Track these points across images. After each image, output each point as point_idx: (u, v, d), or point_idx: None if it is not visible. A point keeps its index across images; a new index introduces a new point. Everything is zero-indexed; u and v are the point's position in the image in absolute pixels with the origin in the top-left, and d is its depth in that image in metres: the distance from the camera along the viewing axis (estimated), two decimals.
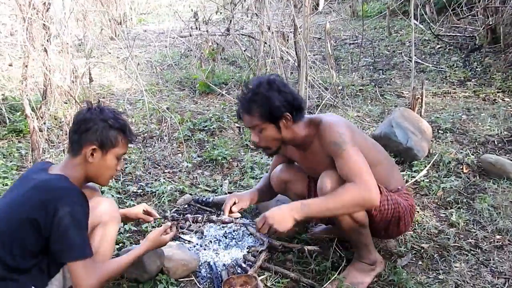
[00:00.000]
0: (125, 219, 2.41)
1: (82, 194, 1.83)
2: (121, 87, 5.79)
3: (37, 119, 3.09)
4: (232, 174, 3.56)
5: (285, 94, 2.11)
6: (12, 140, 4.24)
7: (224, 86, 5.62)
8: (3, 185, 3.43)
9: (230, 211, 2.40)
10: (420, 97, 3.72)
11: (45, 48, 3.10)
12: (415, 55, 6.49)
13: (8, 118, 4.44)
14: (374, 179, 2.02)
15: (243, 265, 2.45)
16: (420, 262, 2.41)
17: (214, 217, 2.88)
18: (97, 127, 1.86)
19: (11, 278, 1.73)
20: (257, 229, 2.07)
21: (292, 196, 2.53)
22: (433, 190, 3.05)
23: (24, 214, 1.74)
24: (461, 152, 3.57)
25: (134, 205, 3.08)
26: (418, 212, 2.84)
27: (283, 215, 2.00)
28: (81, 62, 4.38)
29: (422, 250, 2.48)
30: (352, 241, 2.28)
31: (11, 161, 3.83)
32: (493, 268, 2.37)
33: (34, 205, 1.74)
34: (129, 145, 2.05)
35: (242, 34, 6.04)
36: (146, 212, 2.43)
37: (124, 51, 6.96)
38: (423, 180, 3.15)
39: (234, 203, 2.42)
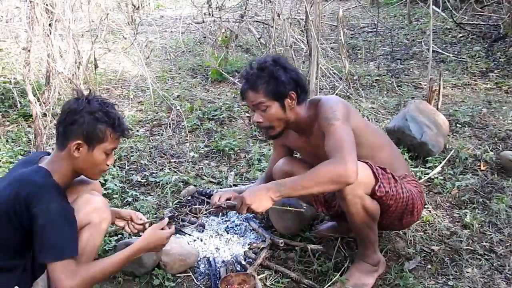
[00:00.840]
0: (117, 218, 2.24)
1: (58, 190, 1.73)
2: (134, 73, 5.72)
3: (40, 105, 3.02)
4: (238, 166, 3.46)
5: (290, 72, 2.07)
6: (21, 125, 4.22)
7: (236, 74, 5.49)
8: (9, 170, 3.40)
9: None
10: (438, 89, 3.54)
11: (47, 32, 3.01)
12: (435, 45, 6.28)
13: (19, 102, 4.42)
14: (355, 156, 1.90)
15: (243, 262, 2.36)
16: (429, 266, 2.27)
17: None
18: (83, 120, 1.73)
19: None
20: (236, 209, 2.01)
21: None
22: (447, 188, 2.90)
23: (3, 208, 1.66)
24: (479, 148, 3.40)
25: (136, 195, 3.02)
26: (430, 211, 2.70)
27: (261, 195, 1.93)
28: (87, 48, 4.31)
29: (432, 253, 2.35)
30: (361, 237, 2.16)
31: (18, 146, 3.80)
32: (508, 274, 2.22)
33: (9, 199, 1.66)
34: (127, 137, 1.92)
35: (256, 21, 5.89)
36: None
37: (138, 37, 6.91)
38: (437, 177, 2.99)
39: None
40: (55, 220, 1.65)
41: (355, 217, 2.02)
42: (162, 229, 1.99)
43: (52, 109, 3.35)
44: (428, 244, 2.42)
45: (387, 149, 2.22)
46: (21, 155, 3.65)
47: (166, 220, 2.05)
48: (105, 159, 1.84)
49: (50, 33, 3.01)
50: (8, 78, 4.70)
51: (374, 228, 2.09)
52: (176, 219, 2.18)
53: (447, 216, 2.67)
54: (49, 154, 1.95)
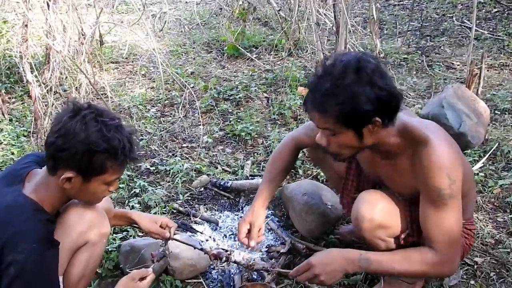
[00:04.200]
0: (129, 223, 1.99)
1: (42, 236, 1.42)
2: (146, 47, 5.42)
3: (39, 85, 2.76)
4: (256, 153, 3.19)
5: (378, 90, 1.45)
6: (26, 102, 3.98)
7: (254, 49, 5.17)
8: (10, 153, 3.19)
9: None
10: (479, 73, 3.19)
11: (44, 5, 2.72)
12: (467, 20, 5.85)
13: (25, 78, 4.17)
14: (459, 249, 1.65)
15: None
16: (472, 282, 1.99)
17: (237, 256, 2.07)
18: (75, 151, 1.39)
19: None
20: (294, 275, 1.67)
21: (328, 170, 2.13)
22: (489, 187, 2.59)
23: None
24: None
25: (144, 185, 2.77)
26: None
27: (335, 266, 1.60)
28: (93, 20, 4.01)
29: (476, 266, 2.06)
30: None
31: (22, 126, 3.58)
32: None
33: None
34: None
35: None
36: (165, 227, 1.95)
37: (150, 8, 6.59)
38: (477, 174, 2.68)
39: (249, 231, 1.95)
40: (29, 277, 1.37)
41: (379, 250, 1.73)
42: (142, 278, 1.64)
43: (54, 87, 3.08)
44: (470, 254, 2.13)
45: (468, 198, 1.77)
46: (24, 136, 3.43)
47: (149, 270, 1.67)
48: (106, 189, 1.53)
49: (48, 6, 2.72)
50: (13, 52, 4.45)
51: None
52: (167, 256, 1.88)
53: (490, 221, 2.37)
54: (41, 157, 1.61)
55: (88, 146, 1.39)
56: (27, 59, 2.55)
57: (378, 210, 1.65)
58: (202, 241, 2.35)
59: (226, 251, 1.88)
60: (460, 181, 1.55)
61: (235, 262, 1.91)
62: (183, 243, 1.97)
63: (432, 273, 1.61)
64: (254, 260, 1.87)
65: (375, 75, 1.46)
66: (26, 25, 2.54)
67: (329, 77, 1.48)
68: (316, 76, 1.53)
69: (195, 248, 1.94)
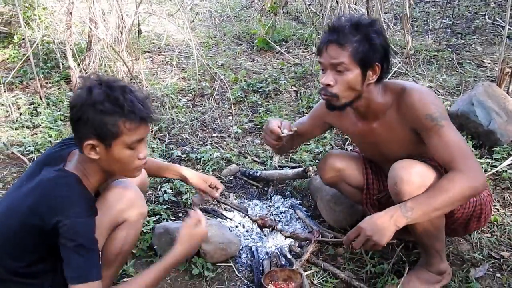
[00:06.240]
0: (180, 178, 2.07)
1: (88, 205, 1.48)
2: (178, 37, 5.53)
3: (80, 71, 2.86)
4: None
5: (384, 41, 1.74)
6: (63, 87, 4.12)
7: (284, 43, 5.22)
8: (48, 136, 3.32)
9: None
10: (510, 72, 3.18)
11: None
12: (500, 18, 5.78)
13: (62, 64, 4.32)
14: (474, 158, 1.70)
15: (288, 255, 2.18)
16: (498, 275, 2.02)
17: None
18: (86, 117, 1.41)
19: (18, 282, 1.47)
20: (347, 244, 1.71)
21: (346, 189, 2.18)
22: None
23: (23, 219, 1.44)
24: None
25: None
26: (497, 210, 2.43)
27: (383, 224, 1.63)
28: (131, 10, 4.11)
29: (502, 260, 2.09)
30: (423, 245, 1.91)
31: (59, 110, 3.72)
32: None
33: (33, 211, 1.43)
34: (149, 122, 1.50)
35: None
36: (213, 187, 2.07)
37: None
38: (506, 171, 2.69)
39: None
40: (83, 240, 1.42)
41: (416, 227, 1.78)
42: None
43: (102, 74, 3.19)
44: (497, 248, 2.16)
45: None
46: (61, 120, 3.57)
47: (199, 214, 1.72)
48: (132, 154, 1.50)
49: None
50: (51, 38, 4.60)
51: (440, 236, 1.84)
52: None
53: None
54: (74, 144, 1.66)
55: (95, 108, 1.41)
56: (70, 45, 2.65)
57: (415, 173, 1.70)
58: (231, 227, 2.43)
59: (272, 220, 1.99)
60: (443, 106, 1.74)
61: (280, 231, 2.05)
62: (232, 207, 2.10)
63: (467, 191, 1.63)
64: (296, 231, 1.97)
65: (380, 29, 1.76)
66: (71, 13, 2.64)
67: (348, 21, 1.73)
68: (336, 20, 1.76)
69: (243, 213, 2.06)
